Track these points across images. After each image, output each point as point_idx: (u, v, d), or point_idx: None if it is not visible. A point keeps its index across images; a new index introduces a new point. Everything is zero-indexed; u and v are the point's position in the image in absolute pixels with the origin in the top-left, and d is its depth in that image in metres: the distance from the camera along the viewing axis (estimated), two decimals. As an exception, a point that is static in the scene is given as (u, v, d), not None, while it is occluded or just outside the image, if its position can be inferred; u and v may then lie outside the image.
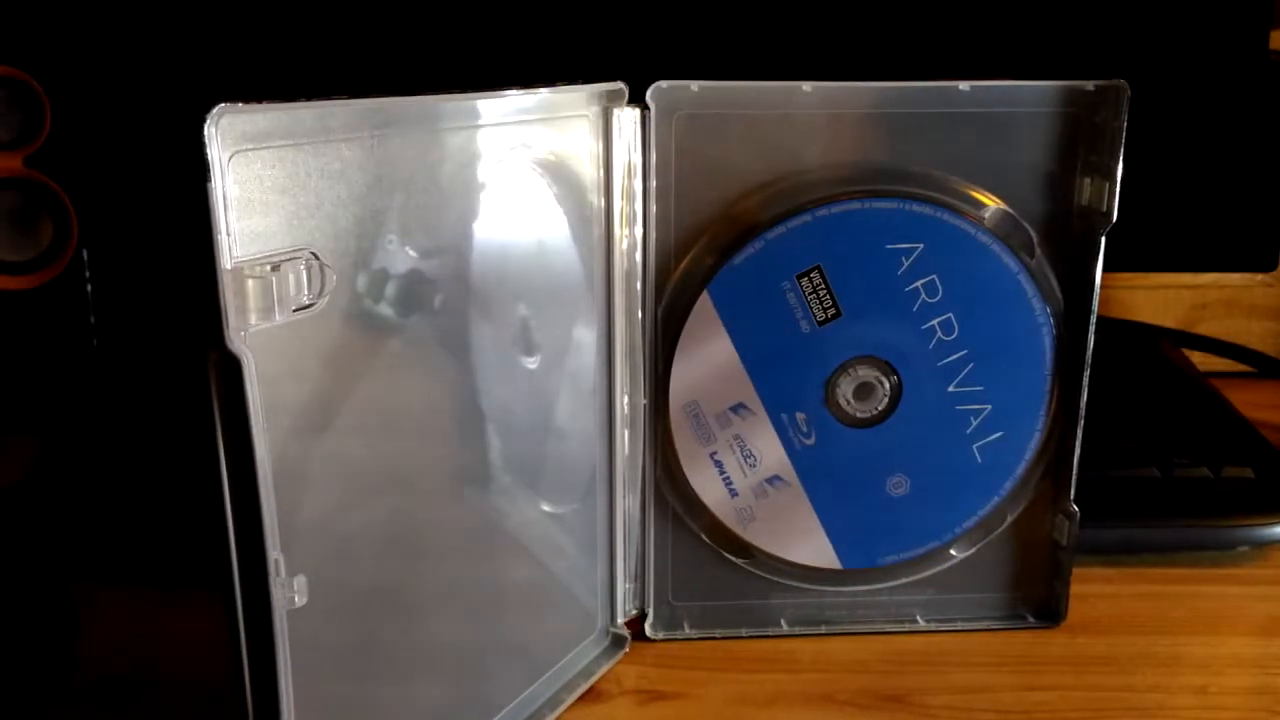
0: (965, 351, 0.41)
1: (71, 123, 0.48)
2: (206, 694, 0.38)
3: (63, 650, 0.43)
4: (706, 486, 0.42)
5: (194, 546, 0.41)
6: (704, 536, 0.43)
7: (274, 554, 0.29)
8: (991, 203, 0.41)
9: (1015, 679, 0.42)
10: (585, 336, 0.40)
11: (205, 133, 0.26)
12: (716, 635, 0.44)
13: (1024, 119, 0.40)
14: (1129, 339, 0.68)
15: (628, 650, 0.43)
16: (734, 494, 0.42)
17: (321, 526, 0.30)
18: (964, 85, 0.40)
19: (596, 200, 0.39)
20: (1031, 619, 0.45)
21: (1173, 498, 0.49)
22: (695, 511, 0.43)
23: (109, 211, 0.51)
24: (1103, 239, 0.40)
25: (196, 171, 0.26)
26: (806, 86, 0.39)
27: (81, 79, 0.50)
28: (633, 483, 0.42)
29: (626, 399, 0.41)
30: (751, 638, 0.44)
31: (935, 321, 0.41)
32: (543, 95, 0.36)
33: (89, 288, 0.52)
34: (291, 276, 0.28)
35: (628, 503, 0.42)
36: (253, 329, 0.28)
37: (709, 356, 0.41)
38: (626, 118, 0.39)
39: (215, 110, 0.26)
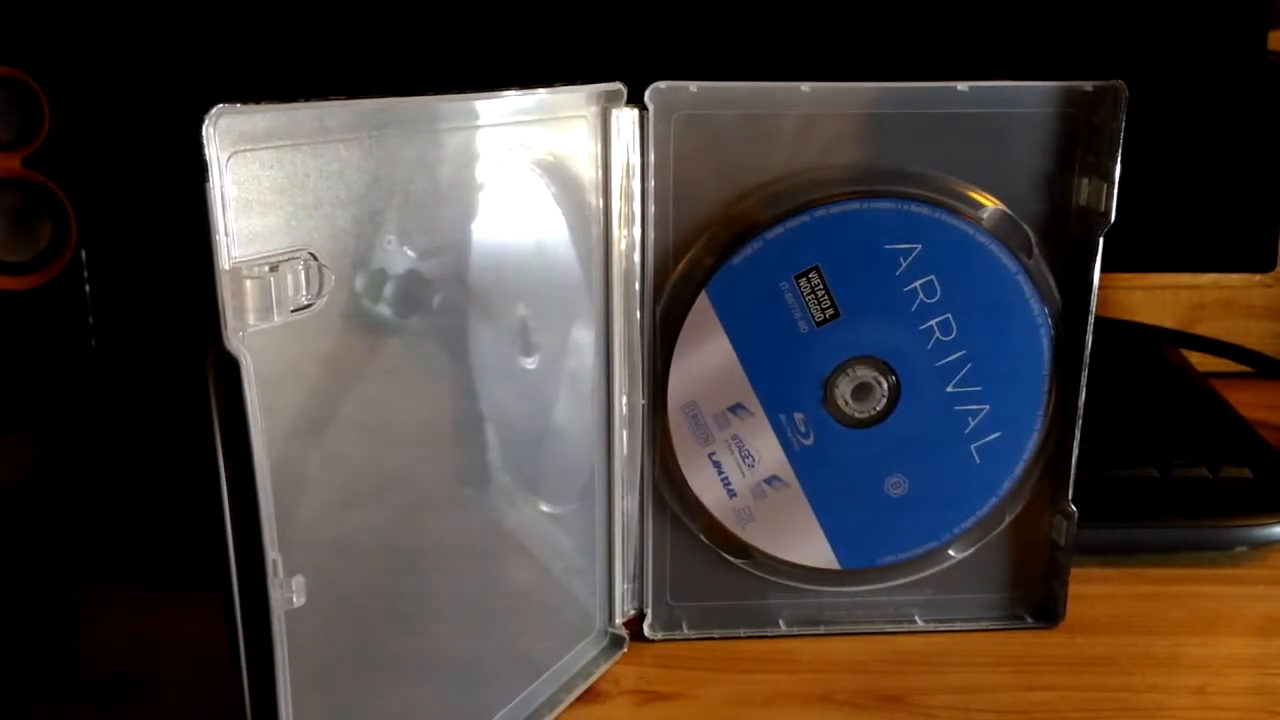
0: (963, 352, 0.41)
1: (70, 123, 0.48)
2: (206, 694, 0.39)
3: (63, 650, 0.43)
4: (705, 487, 0.42)
5: (193, 547, 0.42)
6: (702, 537, 0.43)
7: (272, 554, 0.29)
8: (990, 203, 0.41)
9: (1014, 679, 0.42)
10: (584, 337, 0.40)
11: (203, 133, 0.26)
12: (715, 635, 0.44)
13: (1022, 119, 0.40)
14: (1127, 339, 0.68)
15: (626, 651, 0.43)
16: (732, 494, 0.42)
17: (320, 526, 0.30)
18: (962, 86, 0.40)
19: (595, 201, 0.39)
20: (1030, 619, 0.45)
21: (1171, 498, 0.49)
22: (694, 512, 0.43)
23: (108, 212, 0.51)
24: (1101, 239, 0.40)
25: (195, 172, 0.26)
26: (805, 87, 0.39)
27: (81, 79, 0.50)
28: (631, 483, 0.42)
29: (625, 399, 0.41)
30: (750, 638, 0.44)
31: (933, 322, 0.41)
32: (541, 96, 0.36)
33: (87, 288, 0.52)
34: (290, 277, 0.28)
35: (626, 503, 0.42)
36: (251, 329, 0.28)
37: (707, 357, 0.41)
38: (625, 118, 0.39)
39: (214, 110, 0.26)
